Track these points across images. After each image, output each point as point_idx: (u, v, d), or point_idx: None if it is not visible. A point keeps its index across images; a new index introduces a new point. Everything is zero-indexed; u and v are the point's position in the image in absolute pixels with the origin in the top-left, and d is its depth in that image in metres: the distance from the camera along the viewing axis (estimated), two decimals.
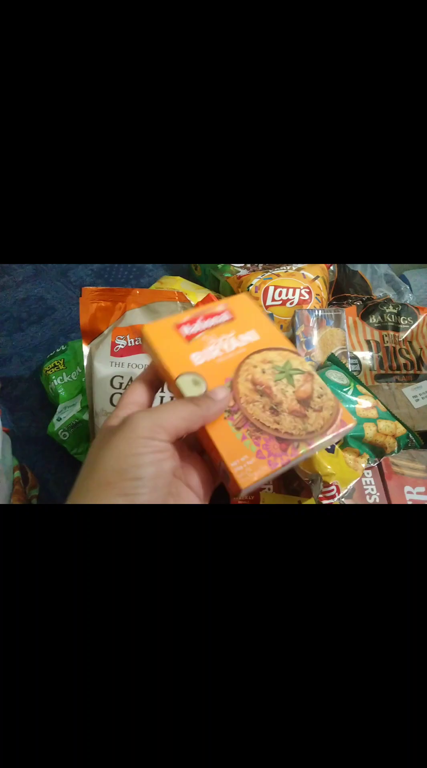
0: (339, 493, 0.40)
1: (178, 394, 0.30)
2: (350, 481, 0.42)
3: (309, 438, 0.30)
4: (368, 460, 0.45)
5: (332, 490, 0.40)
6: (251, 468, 0.28)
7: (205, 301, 0.51)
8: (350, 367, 0.55)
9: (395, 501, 0.45)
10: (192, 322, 0.33)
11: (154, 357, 0.32)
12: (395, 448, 0.46)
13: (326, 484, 0.40)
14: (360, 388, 0.48)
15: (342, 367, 0.51)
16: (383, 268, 0.81)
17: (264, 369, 0.32)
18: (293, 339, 0.56)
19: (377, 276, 0.81)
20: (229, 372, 0.32)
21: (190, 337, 0.33)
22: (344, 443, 0.44)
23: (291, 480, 0.47)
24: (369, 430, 0.45)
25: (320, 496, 0.40)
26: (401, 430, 0.46)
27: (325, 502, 0.40)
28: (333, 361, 0.51)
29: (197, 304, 0.51)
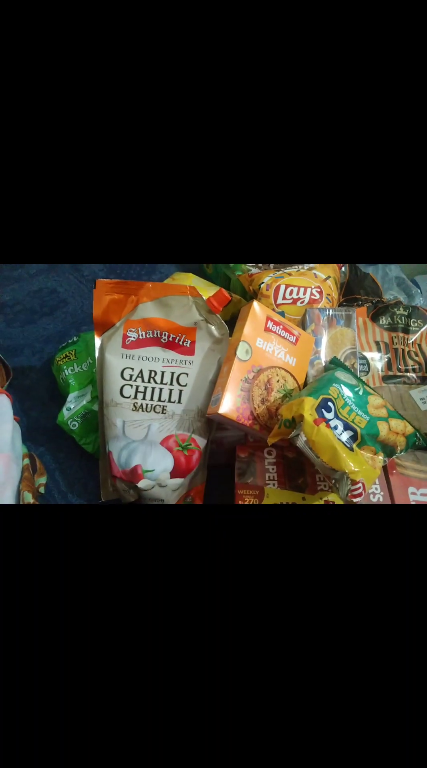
0: (365, 491, 0.40)
1: (233, 348, 0.48)
2: (373, 479, 0.43)
3: (263, 427, 0.47)
4: (383, 458, 0.45)
5: (359, 487, 0.40)
6: (228, 407, 0.45)
7: (217, 295, 0.52)
8: (358, 367, 0.55)
9: (398, 501, 0.45)
10: (277, 324, 0.50)
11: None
12: (404, 447, 0.46)
13: (354, 482, 0.40)
14: (367, 388, 0.48)
15: (346, 368, 0.51)
16: (394, 271, 0.81)
17: (278, 380, 0.49)
18: None
19: (388, 279, 0.80)
20: (265, 363, 0.48)
21: (267, 330, 0.49)
22: (362, 441, 0.44)
23: (296, 476, 0.47)
24: (383, 428, 0.45)
25: (350, 494, 0.40)
26: (409, 428, 0.46)
27: (355, 500, 0.40)
28: (336, 363, 0.51)
29: (208, 299, 0.52)
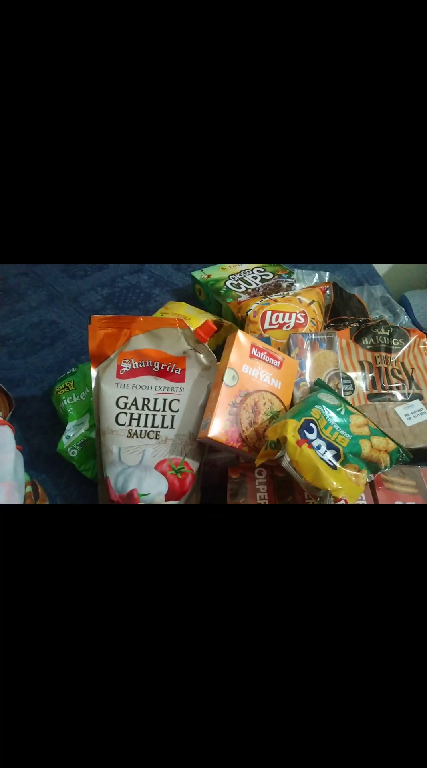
0: None
1: (221, 374, 0.51)
2: (356, 496, 0.45)
3: (252, 449, 0.50)
4: (366, 475, 0.47)
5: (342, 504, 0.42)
6: (217, 431, 0.48)
7: (204, 327, 0.56)
8: (343, 387, 0.58)
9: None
10: (261, 350, 0.53)
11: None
12: (388, 463, 0.48)
13: (336, 499, 0.42)
14: (350, 408, 0.51)
15: (329, 389, 0.53)
16: (379, 291, 0.84)
17: (265, 403, 0.52)
18: None
19: (373, 299, 0.84)
20: (251, 387, 0.52)
21: (252, 356, 0.53)
22: (345, 460, 0.46)
23: (285, 495, 0.49)
24: (365, 446, 0.47)
25: None
26: (391, 445, 0.48)
27: None
28: (320, 384, 0.54)
29: (196, 330, 0.55)
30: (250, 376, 0.51)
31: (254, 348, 0.53)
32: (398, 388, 0.60)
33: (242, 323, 0.71)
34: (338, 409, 0.49)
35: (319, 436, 0.46)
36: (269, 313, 0.67)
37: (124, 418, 0.53)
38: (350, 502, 0.43)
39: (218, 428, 0.48)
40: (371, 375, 0.61)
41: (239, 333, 0.52)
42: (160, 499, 0.50)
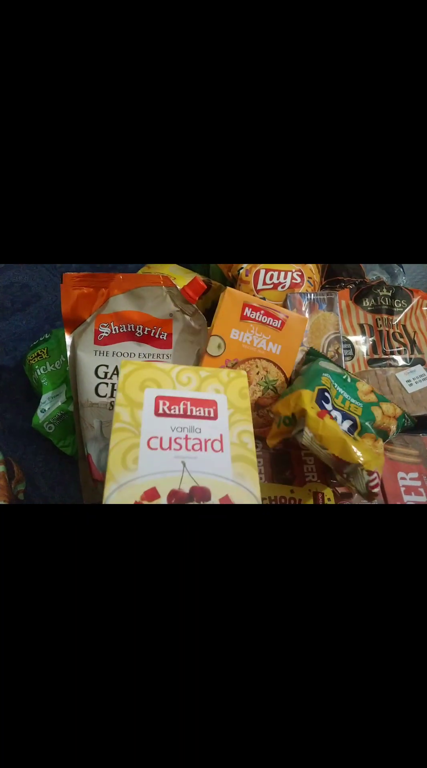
0: (379, 479, 0.39)
1: (207, 343, 0.46)
2: (381, 467, 0.41)
3: None
4: (382, 444, 0.43)
5: (375, 477, 0.38)
6: None
7: (192, 284, 0.49)
8: (343, 352, 0.54)
9: (388, 487, 0.44)
10: (257, 309, 0.46)
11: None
12: (396, 430, 0.45)
13: (370, 473, 0.38)
14: (352, 375, 0.47)
15: (326, 358, 0.49)
16: None
17: (258, 372, 0.46)
18: None
19: None
20: (241, 355, 0.45)
21: (244, 318, 0.45)
22: (362, 429, 0.42)
23: (283, 469, 0.46)
24: (377, 414, 0.43)
25: (369, 486, 0.38)
26: (398, 410, 0.45)
27: (374, 490, 0.38)
28: (315, 354, 0.49)
29: (183, 289, 0.49)
30: (240, 343, 0.46)
31: (247, 308, 0.46)
32: (399, 352, 0.57)
33: (231, 283, 0.65)
34: (344, 377, 0.45)
35: (334, 407, 0.41)
36: (262, 272, 0.61)
37: (104, 389, 0.47)
38: (380, 474, 0.39)
39: None
40: (372, 339, 0.57)
41: (228, 291, 0.46)
42: None
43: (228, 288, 0.46)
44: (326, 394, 0.41)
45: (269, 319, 0.47)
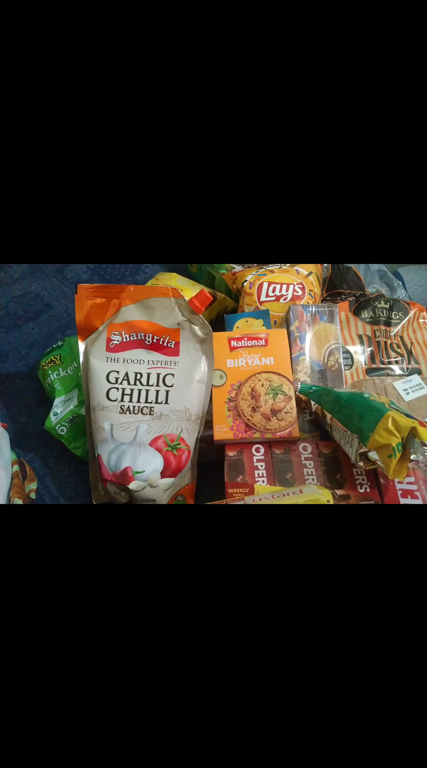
0: None
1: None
2: None
3: (264, 431, 0.49)
4: None
5: None
6: (223, 432, 0.50)
7: (199, 296, 0.52)
8: (342, 361, 0.56)
9: (385, 490, 0.46)
10: (239, 339, 0.53)
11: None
12: None
13: None
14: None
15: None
16: (376, 265, 0.82)
17: (263, 384, 0.51)
18: (287, 335, 0.57)
19: (370, 272, 0.81)
20: (243, 377, 0.51)
21: (233, 349, 0.52)
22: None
23: (284, 472, 0.48)
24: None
25: None
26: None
27: None
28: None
29: (190, 300, 0.52)
30: (237, 368, 0.51)
31: (231, 341, 0.53)
32: (397, 362, 0.59)
33: (236, 295, 0.68)
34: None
35: None
36: (265, 285, 0.64)
37: (115, 394, 0.50)
38: None
39: (222, 429, 0.49)
40: (370, 349, 0.60)
41: (213, 335, 0.51)
42: (156, 477, 0.48)
43: (213, 333, 0.51)
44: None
45: (253, 341, 0.53)
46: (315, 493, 0.41)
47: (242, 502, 0.43)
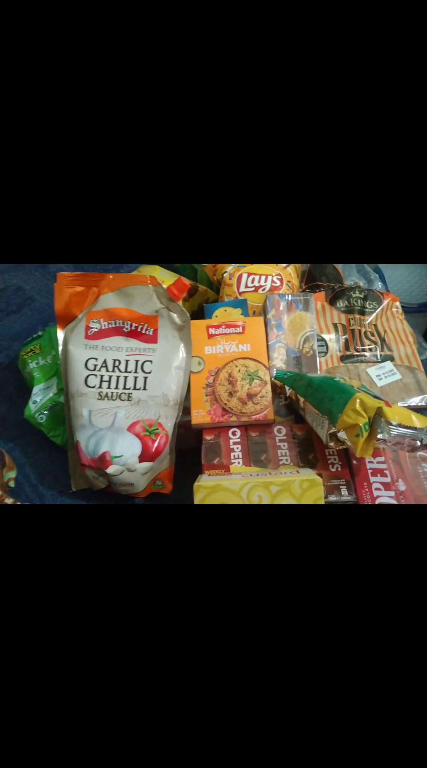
0: None
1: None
2: None
3: (240, 415, 0.51)
4: None
5: None
6: (200, 416, 0.51)
7: (176, 284, 0.53)
8: (317, 348, 0.58)
9: (357, 470, 0.47)
10: (217, 327, 0.54)
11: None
12: None
13: None
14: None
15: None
16: None
17: (239, 369, 0.52)
18: (265, 323, 0.58)
19: (348, 266, 0.83)
20: (220, 363, 0.52)
21: (211, 336, 0.53)
22: None
23: (259, 453, 0.49)
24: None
25: None
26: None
27: None
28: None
29: (168, 288, 0.53)
30: (215, 354, 0.53)
31: (209, 328, 0.54)
32: (370, 350, 0.61)
33: (217, 287, 0.69)
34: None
35: None
36: (244, 276, 0.66)
37: (94, 380, 0.51)
38: None
39: (199, 413, 0.51)
40: (344, 337, 0.62)
41: (191, 323, 0.53)
42: (134, 461, 0.49)
43: (192, 321, 0.52)
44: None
45: (230, 329, 0.54)
46: (311, 474, 0.43)
47: (228, 475, 0.44)
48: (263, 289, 0.65)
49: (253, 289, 0.66)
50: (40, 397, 0.56)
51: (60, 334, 0.53)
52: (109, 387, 0.50)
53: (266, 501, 0.40)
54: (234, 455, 0.49)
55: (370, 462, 0.48)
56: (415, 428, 0.41)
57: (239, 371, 0.52)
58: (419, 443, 0.42)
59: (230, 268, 0.68)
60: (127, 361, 0.51)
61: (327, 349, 0.60)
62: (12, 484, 0.53)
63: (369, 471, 0.47)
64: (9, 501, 0.48)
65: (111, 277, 0.53)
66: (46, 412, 0.56)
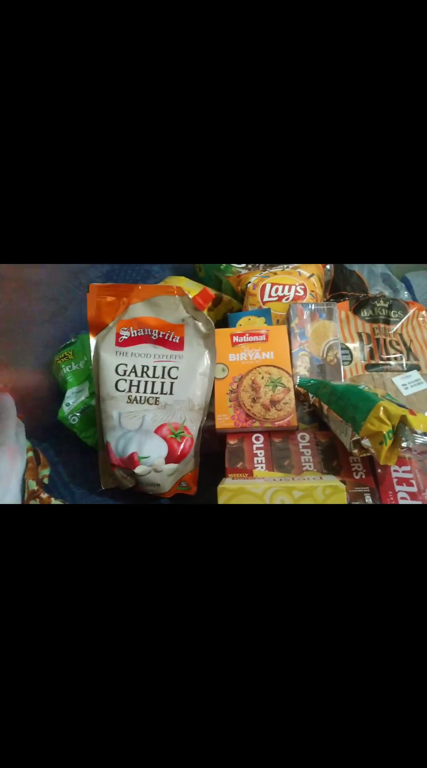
0: None
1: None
2: None
3: (263, 420, 0.52)
4: None
5: None
6: (224, 421, 0.53)
7: (202, 294, 0.56)
8: (341, 357, 0.58)
9: (382, 478, 0.47)
10: (241, 335, 0.56)
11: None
12: None
13: None
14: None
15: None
16: (379, 268, 0.84)
17: (263, 376, 0.54)
18: (288, 332, 0.60)
19: (374, 276, 0.83)
20: (244, 370, 0.54)
21: (235, 344, 0.56)
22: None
23: (282, 459, 0.50)
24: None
25: None
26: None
27: None
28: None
29: (194, 298, 0.55)
30: (238, 362, 0.55)
31: (233, 336, 0.56)
32: (396, 359, 0.61)
33: (241, 297, 0.71)
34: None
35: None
36: (268, 286, 0.67)
37: (123, 385, 0.53)
38: None
39: (223, 418, 0.53)
40: (369, 346, 0.62)
41: (216, 331, 0.54)
42: (160, 462, 0.50)
43: (216, 329, 0.54)
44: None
45: (254, 337, 0.56)
46: (334, 480, 0.43)
47: (251, 479, 0.45)
48: (287, 299, 0.66)
49: (276, 298, 0.67)
50: (72, 399, 0.59)
51: (92, 341, 0.56)
52: (137, 391, 0.53)
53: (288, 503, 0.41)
54: (257, 460, 0.50)
55: (395, 470, 0.47)
56: None
57: (262, 378, 0.53)
58: None
59: (253, 278, 0.69)
60: (154, 367, 0.54)
61: (351, 357, 0.61)
62: (46, 480, 0.56)
63: (394, 480, 0.47)
64: (44, 495, 0.51)
65: (140, 287, 0.55)
66: (78, 414, 0.59)
